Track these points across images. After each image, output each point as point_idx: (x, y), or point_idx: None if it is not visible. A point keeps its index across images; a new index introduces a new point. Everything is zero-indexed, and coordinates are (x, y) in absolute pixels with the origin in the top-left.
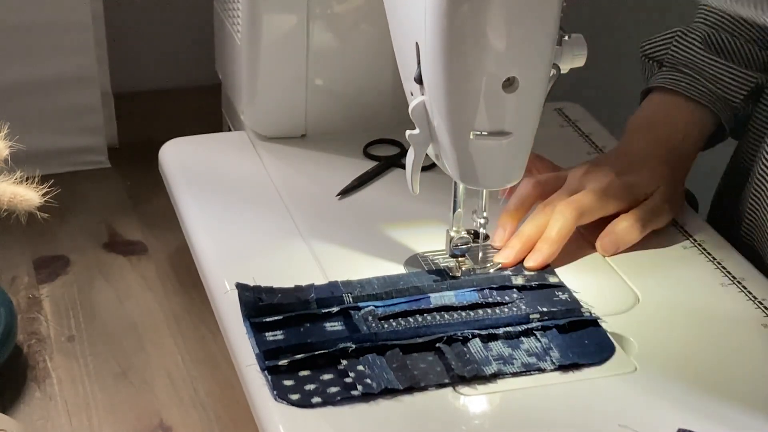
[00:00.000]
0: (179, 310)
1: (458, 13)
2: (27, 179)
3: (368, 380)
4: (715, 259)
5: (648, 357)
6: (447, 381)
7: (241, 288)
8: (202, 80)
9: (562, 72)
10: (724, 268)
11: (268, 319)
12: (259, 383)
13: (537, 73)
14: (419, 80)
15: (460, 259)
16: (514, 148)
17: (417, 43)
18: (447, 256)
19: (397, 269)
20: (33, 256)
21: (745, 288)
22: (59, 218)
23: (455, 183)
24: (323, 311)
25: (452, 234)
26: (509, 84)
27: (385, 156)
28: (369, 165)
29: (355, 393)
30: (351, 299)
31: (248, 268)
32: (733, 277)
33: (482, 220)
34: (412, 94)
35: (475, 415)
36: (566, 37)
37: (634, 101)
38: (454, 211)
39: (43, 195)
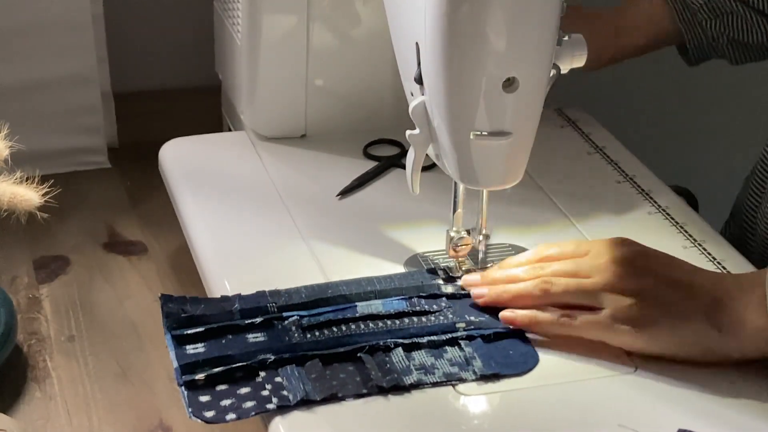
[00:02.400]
0: None
1: (458, 14)
2: (27, 179)
3: (284, 392)
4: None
5: (648, 357)
6: (365, 391)
7: (165, 299)
8: (202, 80)
9: (562, 72)
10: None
11: (189, 332)
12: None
13: (537, 73)
14: (419, 80)
15: (460, 259)
16: (514, 148)
17: (417, 43)
18: (447, 256)
19: (397, 269)
20: (33, 256)
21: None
22: (59, 218)
23: (455, 183)
24: (246, 322)
25: (452, 234)
26: (509, 84)
27: (385, 156)
28: (369, 165)
29: (270, 406)
30: (276, 309)
31: (248, 268)
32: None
33: (481, 237)
34: (412, 94)
35: (475, 415)
36: (566, 37)
37: (634, 101)
38: (454, 211)
39: (43, 195)
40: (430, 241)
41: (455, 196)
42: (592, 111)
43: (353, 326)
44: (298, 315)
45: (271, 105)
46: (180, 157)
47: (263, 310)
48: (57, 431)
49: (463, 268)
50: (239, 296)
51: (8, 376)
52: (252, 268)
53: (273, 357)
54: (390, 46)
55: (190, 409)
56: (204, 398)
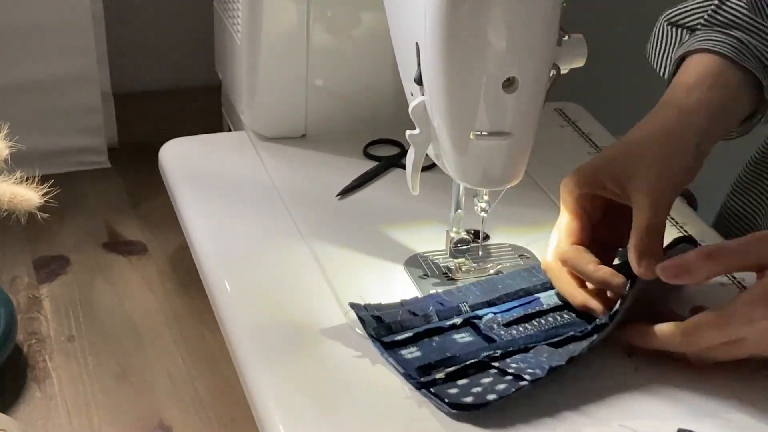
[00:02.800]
0: (179, 310)
1: (458, 14)
2: (27, 179)
3: (530, 370)
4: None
5: (647, 356)
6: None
7: (356, 308)
8: (202, 80)
9: (562, 72)
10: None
11: (399, 338)
12: (259, 382)
13: (537, 73)
14: (419, 81)
15: (460, 261)
16: (514, 148)
17: (417, 44)
18: (447, 256)
19: (397, 269)
20: (33, 256)
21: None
22: (59, 218)
23: (455, 183)
24: (448, 324)
25: (452, 234)
26: (509, 84)
27: (385, 156)
28: (369, 165)
29: (523, 383)
30: (468, 309)
31: (248, 268)
32: None
33: (483, 204)
34: (412, 95)
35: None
36: (566, 37)
37: (634, 101)
38: (455, 211)
39: (43, 195)
40: (430, 241)
41: (455, 197)
42: (592, 111)
43: (550, 318)
44: (491, 312)
45: (271, 105)
46: (180, 157)
47: (457, 310)
48: (57, 431)
49: (463, 269)
50: (430, 297)
51: (8, 376)
52: (252, 268)
53: (500, 351)
54: (390, 46)
55: (446, 401)
56: (452, 390)
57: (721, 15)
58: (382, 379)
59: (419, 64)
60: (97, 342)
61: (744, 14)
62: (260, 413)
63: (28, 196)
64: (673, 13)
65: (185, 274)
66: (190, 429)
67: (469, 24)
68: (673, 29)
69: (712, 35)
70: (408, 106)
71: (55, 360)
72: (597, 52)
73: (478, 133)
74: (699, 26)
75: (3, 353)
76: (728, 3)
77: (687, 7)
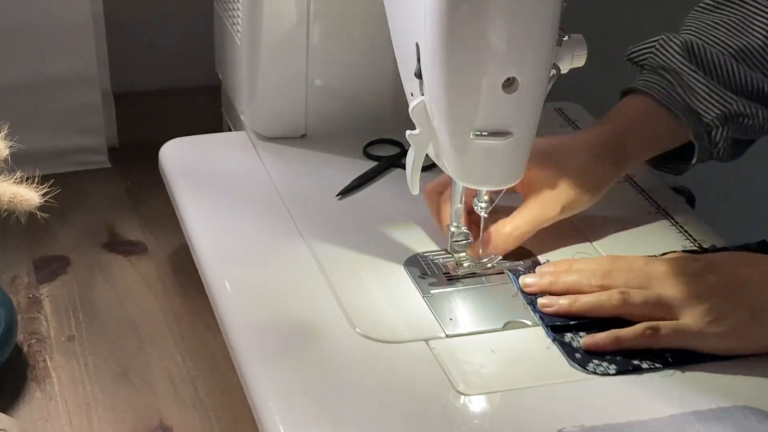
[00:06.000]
0: (179, 310)
1: (458, 13)
2: (27, 179)
3: None
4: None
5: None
6: None
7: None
8: (202, 80)
9: (562, 72)
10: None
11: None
12: (259, 382)
13: (537, 73)
14: (419, 75)
15: (460, 256)
16: (514, 148)
17: (417, 44)
18: (447, 255)
19: (397, 269)
20: (33, 256)
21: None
22: (59, 218)
23: (455, 180)
24: None
25: (452, 229)
26: (509, 84)
27: (385, 156)
28: (369, 165)
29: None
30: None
31: (248, 268)
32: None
33: (483, 204)
34: (412, 95)
35: (475, 415)
36: (566, 37)
37: None
38: (454, 206)
39: (43, 195)
40: (430, 241)
41: (455, 193)
42: (592, 111)
43: None
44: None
45: (271, 105)
46: (180, 157)
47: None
48: (57, 431)
49: (465, 264)
50: None
51: (8, 376)
52: (252, 268)
53: None
54: (390, 46)
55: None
56: None
57: (659, 58)
58: (382, 379)
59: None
60: (97, 342)
61: (678, 59)
62: (260, 413)
63: (28, 196)
64: (631, 51)
65: (185, 274)
66: (190, 429)
67: (469, 24)
68: (630, 66)
69: (651, 76)
70: (408, 106)
71: (55, 360)
72: (597, 52)
73: (478, 133)
74: (645, 65)
75: (3, 353)
76: (667, 47)
77: (639, 46)
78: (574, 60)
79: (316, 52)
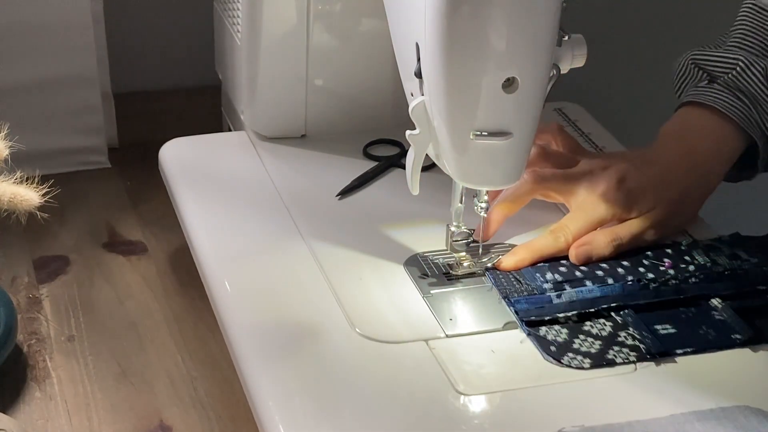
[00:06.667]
0: (179, 310)
1: (458, 14)
2: (27, 179)
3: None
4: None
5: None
6: None
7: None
8: (202, 80)
9: (562, 72)
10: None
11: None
12: (259, 382)
13: (537, 73)
14: (419, 75)
15: (460, 255)
16: (514, 148)
17: (417, 44)
18: (447, 255)
19: (397, 269)
20: (33, 256)
21: None
22: (59, 218)
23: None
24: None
25: (453, 229)
26: (509, 84)
27: (385, 156)
28: (369, 165)
29: None
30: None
31: (248, 268)
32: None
33: (483, 204)
34: (412, 95)
35: (475, 415)
36: (566, 37)
37: (633, 101)
38: (454, 206)
39: (43, 195)
40: (430, 241)
41: (455, 192)
42: (592, 111)
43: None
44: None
45: (271, 105)
46: (180, 157)
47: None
48: (57, 431)
49: (465, 264)
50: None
51: (8, 376)
52: (252, 268)
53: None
54: (390, 46)
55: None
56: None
57: (740, 80)
58: (382, 378)
59: (419, 62)
60: (97, 342)
61: (760, 86)
62: (260, 413)
63: (28, 196)
64: (699, 55)
65: (185, 274)
66: (190, 429)
67: (469, 24)
68: (695, 68)
69: (726, 96)
70: (408, 106)
71: (55, 360)
72: (597, 52)
73: (478, 133)
74: (720, 80)
75: (3, 353)
76: (749, 71)
77: (711, 53)
78: (574, 60)
79: (316, 52)
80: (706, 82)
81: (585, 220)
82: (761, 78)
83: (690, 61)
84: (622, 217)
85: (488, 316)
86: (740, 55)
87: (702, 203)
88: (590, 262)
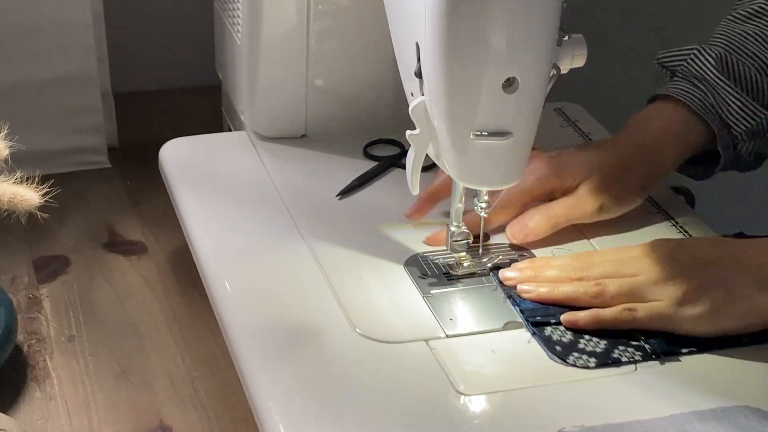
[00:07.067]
0: (179, 310)
1: (458, 14)
2: (27, 179)
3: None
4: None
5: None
6: None
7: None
8: (202, 80)
9: (562, 72)
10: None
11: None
12: (259, 382)
13: (537, 73)
14: (419, 75)
15: (461, 255)
16: (514, 148)
17: (417, 44)
18: (447, 256)
19: (397, 269)
20: (33, 256)
21: None
22: (59, 218)
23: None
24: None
25: (453, 229)
26: (509, 84)
27: (385, 156)
28: (369, 165)
29: None
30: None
31: (248, 268)
32: None
33: (483, 204)
34: (412, 95)
35: (475, 415)
36: (566, 37)
37: (633, 101)
38: (454, 206)
39: (43, 195)
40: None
41: (454, 191)
42: (592, 111)
43: None
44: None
45: (271, 105)
46: (180, 157)
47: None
48: (57, 431)
49: (465, 264)
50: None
51: (8, 376)
52: (252, 268)
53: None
54: (390, 46)
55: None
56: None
57: (694, 68)
58: (382, 378)
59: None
60: (97, 342)
61: (712, 71)
62: (260, 413)
63: (28, 196)
64: (662, 55)
65: (185, 274)
66: (190, 429)
67: (469, 24)
68: (660, 69)
69: (684, 85)
70: (408, 106)
71: (55, 360)
72: (597, 52)
73: (478, 133)
74: (678, 72)
75: (3, 353)
76: (702, 57)
77: (671, 51)
78: (574, 60)
79: (316, 52)
80: (669, 77)
81: (517, 187)
82: (713, 63)
83: (656, 64)
84: (555, 186)
85: (488, 316)
86: (697, 45)
87: (651, 181)
88: (527, 240)
